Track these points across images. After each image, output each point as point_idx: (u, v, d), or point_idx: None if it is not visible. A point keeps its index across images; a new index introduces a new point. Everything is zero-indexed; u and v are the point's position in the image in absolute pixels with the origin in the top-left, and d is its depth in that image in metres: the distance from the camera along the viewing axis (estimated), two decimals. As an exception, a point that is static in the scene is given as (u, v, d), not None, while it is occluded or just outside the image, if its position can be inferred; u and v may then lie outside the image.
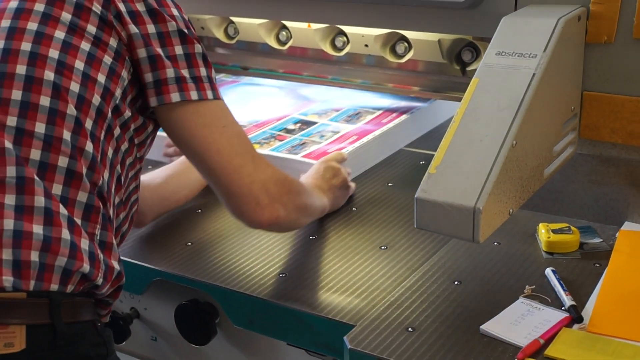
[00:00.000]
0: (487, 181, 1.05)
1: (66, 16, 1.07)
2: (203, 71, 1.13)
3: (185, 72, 1.10)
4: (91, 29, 1.07)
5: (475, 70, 1.60)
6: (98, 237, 1.05)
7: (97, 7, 1.08)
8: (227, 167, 1.12)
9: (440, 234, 1.09)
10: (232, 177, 1.13)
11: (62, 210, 1.01)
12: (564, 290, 1.14)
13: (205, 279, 1.27)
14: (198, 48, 1.13)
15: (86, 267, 1.00)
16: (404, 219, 1.43)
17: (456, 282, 1.21)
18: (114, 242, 1.09)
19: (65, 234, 1.00)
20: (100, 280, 1.03)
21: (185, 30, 1.12)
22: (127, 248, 1.37)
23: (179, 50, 1.11)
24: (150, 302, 1.39)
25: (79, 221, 1.02)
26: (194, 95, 1.10)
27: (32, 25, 1.06)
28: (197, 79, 1.11)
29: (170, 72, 1.09)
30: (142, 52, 1.09)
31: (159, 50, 1.09)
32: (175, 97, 1.09)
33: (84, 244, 1.02)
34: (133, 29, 1.08)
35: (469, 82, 1.61)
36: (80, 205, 1.03)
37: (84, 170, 1.03)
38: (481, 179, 1.06)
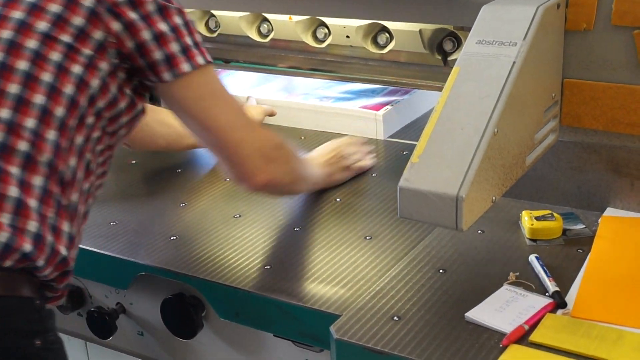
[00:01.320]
0: (469, 169, 1.06)
1: (53, 7, 1.07)
2: (198, 37, 1.17)
3: (188, 41, 1.14)
4: (76, 20, 1.07)
5: (456, 60, 1.62)
6: (51, 221, 1.05)
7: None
8: (229, 142, 1.20)
9: (424, 222, 1.10)
10: (234, 150, 1.20)
11: (14, 191, 1.01)
12: (547, 276, 1.14)
13: (190, 272, 1.27)
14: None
15: (27, 247, 1.01)
16: (389, 209, 1.43)
17: (441, 271, 1.21)
18: (69, 228, 1.08)
19: (10, 213, 1.01)
20: (41, 263, 1.03)
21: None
22: (111, 242, 1.37)
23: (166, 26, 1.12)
24: (136, 296, 1.39)
25: (31, 203, 1.03)
26: (200, 60, 1.14)
27: (16, 14, 1.06)
28: (193, 46, 1.15)
29: (175, 45, 1.12)
30: (145, 34, 1.10)
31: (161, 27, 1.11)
32: (186, 67, 1.12)
33: (31, 225, 1.02)
34: (131, 15, 1.09)
35: (450, 72, 1.64)
36: (35, 189, 1.04)
37: (44, 156, 1.04)
38: (463, 167, 1.06)
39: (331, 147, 1.56)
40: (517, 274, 1.18)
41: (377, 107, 1.80)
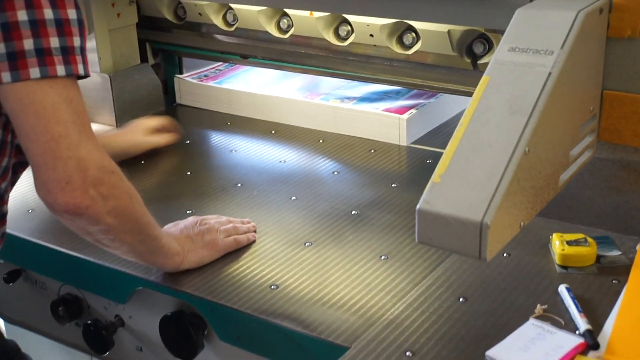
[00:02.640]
0: (496, 192, 0.95)
1: None
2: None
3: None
4: None
5: (487, 64, 1.50)
6: None
7: None
8: (44, 133, 0.98)
9: (444, 249, 0.99)
10: (48, 145, 0.98)
11: None
12: (578, 311, 1.04)
13: (191, 290, 1.18)
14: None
15: None
16: (408, 224, 1.33)
17: (461, 299, 1.11)
18: None
19: None
20: None
21: None
22: (109, 253, 1.28)
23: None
24: (136, 310, 1.30)
25: None
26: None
27: None
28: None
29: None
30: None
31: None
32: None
33: None
34: None
35: (480, 76, 1.52)
36: None
37: None
38: (490, 190, 0.95)
39: (194, 220, 1.29)
40: (545, 306, 1.07)
41: (401, 110, 1.69)
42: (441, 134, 1.72)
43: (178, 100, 2.01)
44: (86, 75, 1.03)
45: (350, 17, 1.62)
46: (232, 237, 1.27)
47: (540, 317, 1.05)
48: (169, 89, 2.03)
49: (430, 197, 0.98)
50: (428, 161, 1.58)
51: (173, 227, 1.26)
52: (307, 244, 1.29)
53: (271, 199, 1.46)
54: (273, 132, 1.79)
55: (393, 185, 1.49)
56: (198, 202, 1.46)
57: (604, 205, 1.27)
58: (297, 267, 1.23)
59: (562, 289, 1.10)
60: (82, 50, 1.02)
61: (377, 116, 1.68)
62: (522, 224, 1.02)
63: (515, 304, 1.09)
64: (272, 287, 1.17)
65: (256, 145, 1.73)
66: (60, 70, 0.99)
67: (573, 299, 1.07)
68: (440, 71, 1.57)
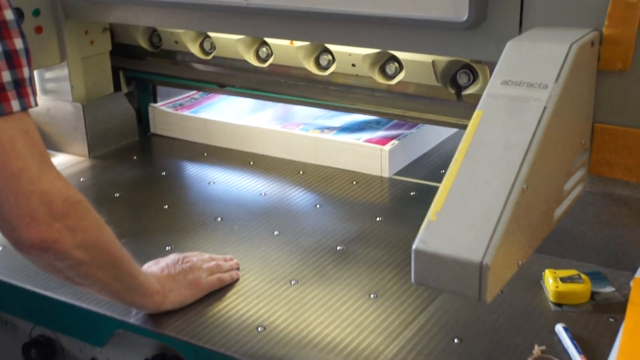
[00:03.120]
0: (495, 232, 0.92)
1: None
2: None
3: None
4: None
5: (471, 95, 1.48)
6: None
7: None
8: (3, 170, 0.94)
9: (442, 290, 0.96)
10: (9, 181, 0.94)
11: None
12: (578, 352, 1.01)
13: (174, 332, 1.13)
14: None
15: None
16: (396, 260, 1.30)
17: (456, 340, 1.08)
18: None
19: None
20: None
21: None
22: (85, 293, 1.23)
23: None
24: (114, 353, 1.24)
25: None
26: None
27: None
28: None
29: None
30: None
31: None
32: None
33: None
34: None
35: (464, 107, 1.50)
36: None
37: None
38: (488, 229, 0.92)
39: (176, 257, 1.23)
40: (543, 347, 1.04)
41: (382, 141, 1.66)
42: (423, 165, 1.70)
43: (152, 130, 1.96)
44: (35, 105, 0.97)
45: (331, 47, 1.59)
46: (215, 275, 1.22)
47: (539, 359, 1.02)
48: (142, 118, 1.98)
49: (427, 237, 0.95)
50: (412, 193, 1.55)
51: (154, 265, 1.21)
52: (292, 282, 1.25)
53: (253, 234, 1.41)
54: (251, 162, 1.75)
55: (378, 219, 1.45)
56: (177, 238, 1.41)
57: (595, 240, 1.25)
58: (284, 307, 1.18)
59: (560, 328, 1.07)
60: (31, 80, 0.97)
61: (359, 147, 1.65)
62: (519, 263, 0.99)
63: (512, 344, 1.06)
64: (259, 328, 1.13)
65: (234, 177, 1.69)
66: (15, 105, 0.94)
67: (571, 339, 1.04)
68: (423, 102, 1.54)
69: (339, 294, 1.21)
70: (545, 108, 1.00)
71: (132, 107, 1.92)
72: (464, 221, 0.94)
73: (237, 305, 1.19)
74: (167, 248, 1.37)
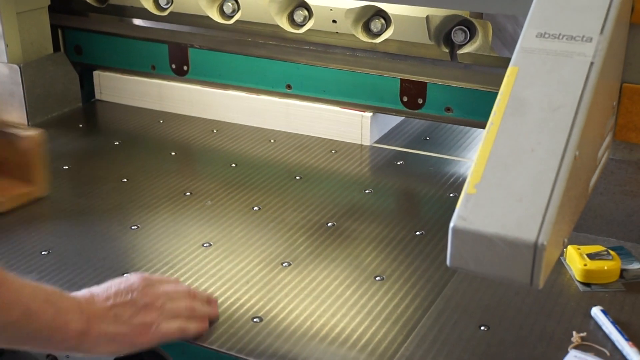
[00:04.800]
0: (549, 206, 0.79)
1: None
2: None
3: None
4: None
5: (467, 54, 1.36)
6: None
7: None
8: None
9: (484, 276, 0.83)
10: None
11: None
12: (625, 339, 0.89)
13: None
14: None
15: None
16: (397, 236, 1.17)
17: (482, 328, 0.95)
18: None
19: None
20: None
21: None
22: (45, 280, 1.04)
23: None
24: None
25: None
26: None
27: None
28: None
29: None
30: None
31: None
32: None
33: None
34: None
35: (458, 68, 1.37)
36: None
37: None
38: (541, 204, 0.80)
39: (139, 282, 0.93)
40: (584, 334, 0.92)
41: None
42: (404, 132, 1.56)
43: (97, 96, 1.77)
44: None
45: (309, 0, 1.43)
46: (177, 322, 0.92)
47: (580, 347, 0.91)
48: (85, 83, 1.78)
49: (466, 213, 0.81)
50: (399, 162, 1.42)
51: (101, 288, 0.92)
52: (284, 264, 1.10)
53: (229, 209, 1.26)
54: (214, 130, 1.58)
55: (367, 191, 1.31)
56: (142, 215, 1.24)
57: (617, 211, 1.14)
58: (280, 293, 1.03)
59: (597, 312, 0.95)
60: None
61: (337, 114, 1.50)
62: (565, 241, 0.86)
63: (546, 331, 0.94)
64: (255, 319, 0.98)
65: (198, 146, 1.52)
66: None
67: (614, 324, 0.92)
68: (412, 62, 1.41)
69: (340, 277, 1.07)
70: (592, 64, 0.88)
71: (74, 69, 1.72)
72: (510, 194, 0.81)
73: (225, 293, 1.03)
74: (132, 227, 1.20)
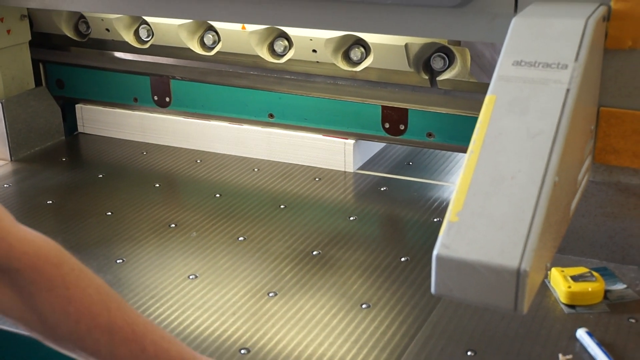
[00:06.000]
0: (531, 232, 0.81)
1: None
2: None
3: None
4: None
5: (446, 80, 1.37)
6: None
7: None
8: None
9: (469, 302, 0.84)
10: None
11: None
12: (611, 361, 0.91)
13: (143, 361, 0.96)
14: None
15: None
16: (382, 263, 1.18)
17: (469, 353, 0.96)
18: None
19: None
20: None
21: None
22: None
23: None
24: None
25: None
26: None
27: None
28: None
29: None
30: None
31: None
32: None
33: None
34: None
35: (438, 94, 1.39)
36: None
37: None
38: (522, 230, 0.81)
39: None
40: (570, 357, 0.94)
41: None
42: (387, 158, 1.58)
43: (80, 129, 1.77)
44: None
45: (289, 31, 1.45)
46: None
47: (567, 371, 0.92)
48: (67, 116, 1.79)
49: (449, 240, 0.82)
50: (382, 188, 1.43)
51: None
52: (270, 294, 1.11)
53: (215, 240, 1.26)
54: (198, 161, 1.59)
55: (351, 218, 1.33)
56: (128, 249, 1.25)
57: (599, 233, 1.15)
58: (266, 323, 1.04)
59: (582, 333, 0.97)
60: None
61: (319, 141, 1.52)
62: (547, 265, 0.88)
63: (533, 354, 0.95)
64: (242, 351, 0.98)
65: (182, 177, 1.53)
66: None
67: (599, 345, 0.94)
68: (392, 89, 1.42)
69: (327, 306, 1.07)
70: (568, 90, 0.90)
71: (56, 103, 1.72)
72: (492, 221, 0.82)
73: (212, 325, 1.04)
74: (118, 261, 1.20)
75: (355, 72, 1.43)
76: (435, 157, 1.55)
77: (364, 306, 1.07)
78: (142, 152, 1.64)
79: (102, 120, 1.73)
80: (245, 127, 1.59)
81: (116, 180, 1.52)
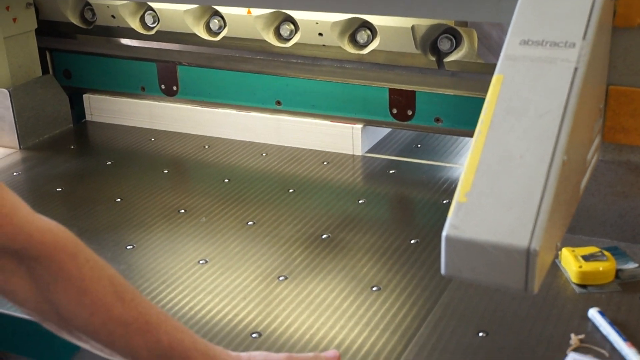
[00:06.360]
0: (540, 212, 0.81)
1: None
2: None
3: None
4: None
5: (454, 62, 1.37)
6: None
7: None
8: None
9: (479, 283, 0.84)
10: None
11: None
12: (623, 340, 0.91)
13: (154, 346, 0.97)
14: None
15: None
16: (392, 246, 1.18)
17: (481, 334, 0.96)
18: None
19: None
20: None
21: None
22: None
23: None
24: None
25: None
26: None
27: None
28: None
29: None
30: None
31: None
32: None
33: None
34: None
35: (445, 75, 1.39)
36: None
37: None
38: (531, 209, 0.81)
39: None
40: (582, 336, 0.94)
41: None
42: (395, 141, 1.58)
43: (88, 117, 1.77)
44: None
45: (295, 14, 1.44)
46: None
47: (579, 349, 0.92)
48: (74, 104, 1.79)
49: (458, 221, 0.82)
50: (391, 171, 1.43)
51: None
52: (280, 278, 1.11)
53: (224, 225, 1.27)
54: (206, 146, 1.59)
55: (360, 201, 1.33)
56: (137, 235, 1.25)
57: (609, 212, 1.15)
58: (277, 307, 1.04)
59: (594, 313, 0.97)
60: None
61: (327, 127, 1.52)
62: (557, 245, 0.88)
63: (544, 334, 0.95)
64: (254, 335, 0.99)
65: (190, 163, 1.53)
66: None
67: (611, 324, 0.94)
68: (399, 71, 1.42)
69: (337, 289, 1.08)
70: (576, 69, 0.89)
71: (64, 91, 1.73)
72: (501, 201, 0.82)
73: (223, 310, 1.04)
74: (128, 247, 1.21)
75: (362, 55, 1.43)
76: (444, 139, 1.55)
77: (374, 289, 1.07)
78: (150, 139, 1.65)
79: (110, 109, 1.73)
80: (253, 114, 1.59)
81: (125, 167, 1.52)
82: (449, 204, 0.83)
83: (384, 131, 1.59)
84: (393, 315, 1.01)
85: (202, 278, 1.12)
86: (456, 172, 1.42)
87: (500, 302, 1.02)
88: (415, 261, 1.13)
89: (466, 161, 0.86)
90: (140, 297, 0.84)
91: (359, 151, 1.50)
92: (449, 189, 1.34)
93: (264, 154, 1.54)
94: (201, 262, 1.16)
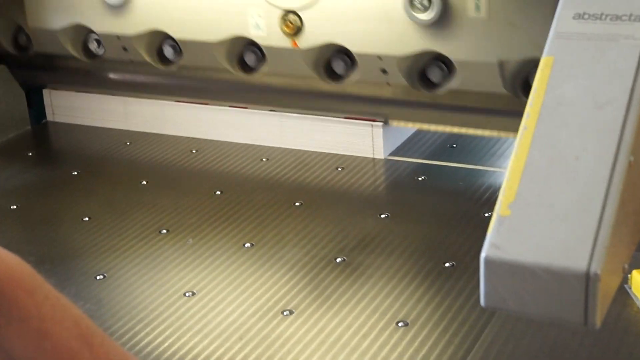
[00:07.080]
0: (601, 225, 0.80)
1: None
2: None
3: None
4: None
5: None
6: None
7: None
8: None
9: (528, 317, 0.84)
10: None
11: None
12: None
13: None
14: None
15: None
16: (420, 271, 1.20)
17: (536, 382, 0.96)
18: None
19: None
20: None
21: None
22: None
23: None
24: None
25: None
26: None
27: None
28: None
29: None
30: None
31: None
32: None
33: None
34: None
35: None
36: None
37: None
38: (591, 224, 0.81)
39: None
40: (657, 380, 0.93)
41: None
42: (424, 141, 1.59)
43: (49, 117, 1.80)
44: None
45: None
46: None
47: (654, 398, 0.91)
48: (32, 102, 1.81)
49: (500, 239, 0.83)
50: (420, 178, 1.45)
51: None
52: (285, 313, 1.12)
53: (216, 248, 1.30)
54: (194, 151, 1.62)
55: (382, 215, 1.34)
56: (109, 262, 1.28)
57: (690, 224, 1.15)
58: (281, 349, 1.06)
59: (672, 351, 0.96)
60: None
61: (342, 125, 1.53)
62: (625, 267, 0.87)
63: (614, 380, 0.95)
64: (255, 382, 1.00)
65: (174, 171, 1.56)
66: None
67: (694, 366, 0.93)
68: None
69: (355, 325, 1.09)
70: (644, 47, 0.89)
71: (20, 86, 1.75)
72: (552, 214, 0.82)
73: (214, 354, 1.06)
74: (98, 277, 1.23)
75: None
76: (484, 138, 1.55)
77: (400, 324, 1.08)
78: (125, 143, 1.68)
79: (76, 107, 1.76)
80: (251, 110, 1.61)
81: (94, 178, 1.56)
82: (491, 217, 0.84)
83: (410, 130, 1.59)
84: (424, 357, 1.02)
85: (189, 314, 1.14)
86: (500, 178, 1.42)
87: (556, 340, 1.02)
88: (450, 290, 1.14)
89: (509, 165, 0.86)
90: (111, 341, 0.84)
91: (380, 154, 1.53)
92: (492, 199, 1.35)
93: (264, 159, 1.56)
94: (187, 294, 1.18)
